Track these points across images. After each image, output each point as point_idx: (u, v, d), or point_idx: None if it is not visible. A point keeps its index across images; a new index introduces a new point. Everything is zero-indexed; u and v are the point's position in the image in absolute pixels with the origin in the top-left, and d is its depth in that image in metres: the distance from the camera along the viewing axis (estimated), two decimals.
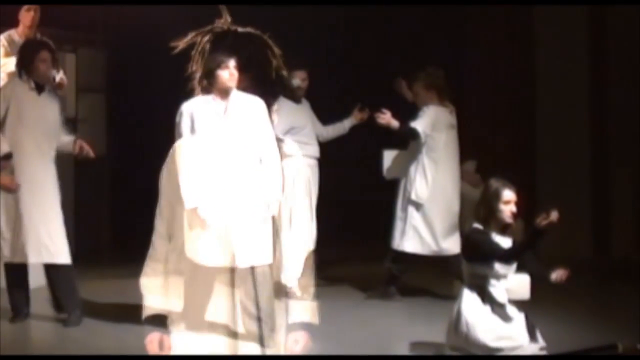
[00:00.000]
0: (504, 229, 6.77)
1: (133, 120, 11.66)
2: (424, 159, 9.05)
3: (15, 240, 7.98)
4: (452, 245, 8.97)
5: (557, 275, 6.51)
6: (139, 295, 4.01)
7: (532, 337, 6.67)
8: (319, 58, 10.42)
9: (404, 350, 7.36)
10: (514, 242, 6.75)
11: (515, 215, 6.76)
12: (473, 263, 6.75)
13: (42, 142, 8.03)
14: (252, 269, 3.86)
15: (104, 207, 11.90)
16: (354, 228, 11.97)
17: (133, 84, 11.67)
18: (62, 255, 8.01)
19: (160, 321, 3.96)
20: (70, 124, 11.25)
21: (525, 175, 11.04)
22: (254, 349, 3.89)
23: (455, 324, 6.70)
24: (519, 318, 6.69)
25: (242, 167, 3.85)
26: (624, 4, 10.84)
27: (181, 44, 4.12)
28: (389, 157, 9.33)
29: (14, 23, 9.34)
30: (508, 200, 6.70)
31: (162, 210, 3.98)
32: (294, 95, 8.95)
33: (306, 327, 3.98)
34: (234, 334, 3.87)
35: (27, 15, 9.29)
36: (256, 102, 3.94)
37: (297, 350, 3.96)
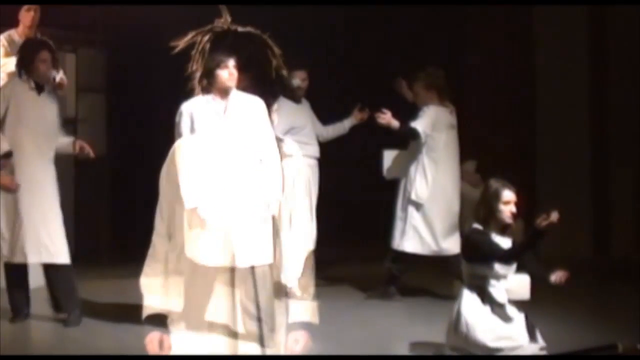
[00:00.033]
0: (503, 229, 6.76)
1: (133, 120, 11.65)
2: (424, 159, 9.05)
3: (14, 240, 7.98)
4: (452, 245, 8.96)
5: (556, 276, 6.51)
6: (138, 295, 4.01)
7: (532, 337, 6.66)
8: (319, 58, 10.42)
9: (404, 350, 7.36)
10: (514, 243, 6.74)
11: (515, 216, 6.75)
12: (473, 263, 6.74)
13: (42, 142, 8.03)
14: (252, 268, 3.85)
15: (104, 207, 11.90)
16: (354, 228, 11.97)
17: (133, 84, 11.66)
18: (61, 255, 8.01)
19: (160, 321, 3.95)
20: (70, 124, 11.29)
21: (525, 175, 11.04)
22: (254, 349, 3.88)
23: (455, 324, 6.69)
24: (518, 318, 6.68)
25: (242, 167, 3.84)
26: (624, 4, 10.84)
27: (181, 44, 4.12)
28: (389, 157, 9.33)
29: (14, 23, 9.33)
30: (508, 201, 6.70)
31: (162, 210, 3.98)
32: (294, 95, 8.95)
33: (306, 326, 3.98)
34: (234, 334, 3.87)
35: (27, 15, 9.29)
36: (256, 102, 3.94)
37: (297, 349, 3.96)
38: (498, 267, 6.65)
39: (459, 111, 9.25)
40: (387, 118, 8.79)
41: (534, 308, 6.89)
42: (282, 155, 3.96)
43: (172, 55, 4.19)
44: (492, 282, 6.68)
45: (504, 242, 6.72)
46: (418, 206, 9.05)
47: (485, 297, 6.67)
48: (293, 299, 3.97)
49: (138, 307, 4.06)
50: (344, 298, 9.14)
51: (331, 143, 9.45)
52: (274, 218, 3.91)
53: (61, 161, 8.63)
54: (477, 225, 6.77)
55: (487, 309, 6.65)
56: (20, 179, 7.94)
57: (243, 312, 3.85)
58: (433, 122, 8.99)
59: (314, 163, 9.03)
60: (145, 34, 10.55)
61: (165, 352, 3.95)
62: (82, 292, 8.50)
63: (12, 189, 7.91)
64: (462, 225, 8.74)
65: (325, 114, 9.42)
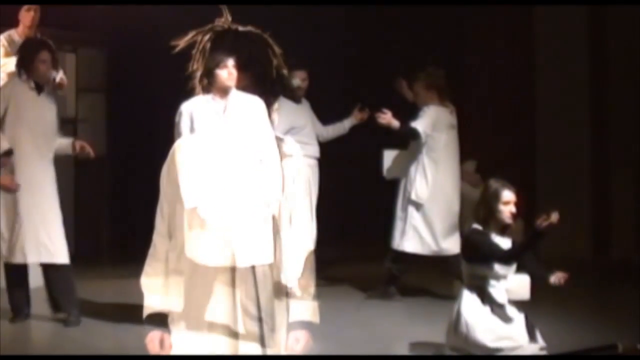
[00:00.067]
0: (503, 230, 6.76)
1: (133, 120, 11.65)
2: (424, 159, 9.05)
3: (14, 240, 7.97)
4: (452, 245, 8.96)
5: (556, 277, 6.51)
6: (139, 295, 4.00)
7: (532, 338, 6.66)
8: (319, 58, 10.42)
9: (404, 350, 7.36)
10: (514, 243, 6.74)
11: (514, 216, 6.75)
12: (472, 264, 6.74)
13: (41, 143, 8.03)
14: (253, 268, 3.85)
15: (104, 207, 11.90)
16: (354, 228, 11.97)
17: (133, 84, 11.66)
18: (60, 255, 8.01)
19: (161, 320, 3.94)
20: (70, 124, 11.30)
21: (525, 175, 11.04)
22: (254, 349, 3.88)
23: (455, 324, 6.69)
24: (518, 318, 6.68)
25: (241, 167, 3.83)
26: (624, 4, 10.84)
27: (181, 43, 4.10)
28: (389, 157, 9.33)
29: (14, 23, 9.33)
30: (507, 201, 6.69)
31: (163, 209, 3.96)
32: (294, 95, 8.95)
33: (306, 326, 3.96)
34: (234, 334, 3.86)
35: (27, 15, 9.28)
36: (255, 102, 3.93)
37: (297, 349, 3.94)
38: (498, 268, 6.65)
39: (459, 111, 9.25)
40: (387, 118, 8.79)
41: (534, 308, 6.90)
42: (282, 155, 3.94)
43: (172, 55, 4.19)
44: (492, 282, 6.68)
45: (504, 243, 6.71)
46: (418, 206, 9.05)
47: (485, 297, 6.67)
48: (293, 298, 3.96)
49: (138, 307, 4.05)
50: (344, 298, 9.15)
51: (331, 143, 9.45)
52: (274, 218, 3.90)
53: (61, 161, 8.63)
54: (476, 226, 6.77)
55: (487, 309, 6.65)
56: (20, 179, 7.94)
57: (243, 312, 3.84)
58: (433, 122, 8.99)
59: (314, 163, 9.04)
60: (145, 34, 10.55)
61: (165, 351, 3.94)
62: (82, 292, 8.50)
63: (12, 189, 7.91)
64: (462, 226, 8.74)
65: (325, 114, 9.42)
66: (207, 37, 4.11)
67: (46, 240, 7.98)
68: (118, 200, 12.02)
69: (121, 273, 9.07)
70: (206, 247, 3.84)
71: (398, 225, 9.10)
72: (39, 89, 8.07)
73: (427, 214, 9.04)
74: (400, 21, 12.18)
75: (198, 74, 4.20)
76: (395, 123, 8.82)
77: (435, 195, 9.03)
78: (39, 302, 8.17)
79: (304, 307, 3.95)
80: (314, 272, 4.02)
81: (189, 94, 4.46)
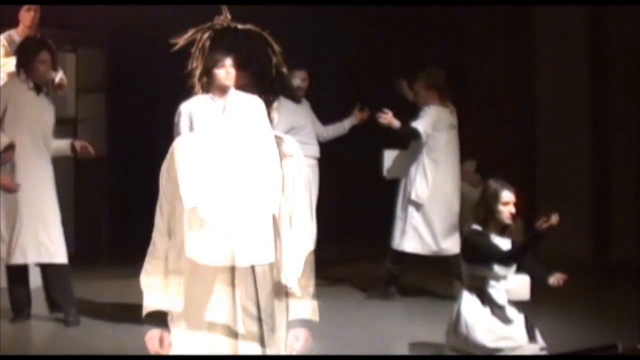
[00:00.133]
0: (503, 230, 6.76)
1: (133, 120, 11.65)
2: (425, 159, 9.05)
3: (14, 240, 7.97)
4: (452, 245, 8.96)
5: (554, 279, 6.51)
6: (138, 295, 4.00)
7: (532, 338, 6.66)
8: (319, 58, 10.42)
9: (404, 350, 7.36)
10: (513, 244, 6.74)
11: (514, 216, 6.75)
12: (472, 264, 6.74)
13: (41, 143, 8.03)
14: (252, 268, 3.84)
15: (104, 207, 11.89)
16: (354, 228, 11.97)
17: (133, 84, 11.66)
18: (60, 255, 8.01)
19: (160, 319, 3.94)
20: (70, 124, 11.30)
21: (525, 176, 11.04)
22: (253, 349, 3.87)
23: (455, 325, 6.69)
24: (518, 319, 6.68)
25: (241, 166, 3.83)
26: (624, 4, 10.83)
27: (181, 41, 4.10)
28: (389, 157, 9.33)
29: (14, 23, 9.33)
30: (507, 202, 6.69)
31: (162, 208, 3.96)
32: (294, 95, 8.95)
33: (306, 324, 3.96)
34: (233, 334, 3.86)
35: (27, 15, 9.28)
36: (255, 101, 3.92)
37: (297, 347, 3.94)
38: (497, 268, 6.65)
39: (459, 111, 9.25)
40: (388, 118, 8.79)
41: (534, 308, 6.90)
42: (282, 155, 3.94)
43: (172, 55, 4.18)
44: (492, 283, 6.68)
45: (503, 243, 6.71)
46: (418, 206, 9.05)
47: (485, 298, 6.67)
48: (293, 298, 3.95)
49: (138, 307, 4.05)
50: (344, 298, 9.15)
51: (331, 143, 9.45)
52: (274, 217, 3.89)
53: (61, 161, 8.63)
54: (476, 226, 6.77)
55: (487, 310, 6.65)
56: (20, 179, 7.93)
57: (243, 312, 3.83)
58: (434, 122, 8.99)
59: (314, 163, 9.04)
60: (145, 34, 10.56)
61: (165, 350, 3.93)
62: (82, 292, 8.50)
63: (12, 189, 7.91)
64: (462, 226, 8.73)
65: (325, 114, 9.42)
66: (206, 35, 4.10)
67: (46, 240, 7.98)
68: (118, 200, 12.02)
69: (121, 273, 9.07)
70: (206, 246, 3.83)
71: (398, 225, 9.10)
72: (37, 89, 8.07)
73: (427, 214, 9.03)
74: (400, 21, 12.18)
75: (197, 72, 4.19)
76: (396, 123, 8.82)
77: (435, 195, 9.03)
78: (39, 302, 8.17)
79: (304, 305, 3.95)
80: (314, 272, 4.02)
81: (188, 93, 4.46)
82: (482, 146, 10.88)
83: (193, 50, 4.12)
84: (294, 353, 3.95)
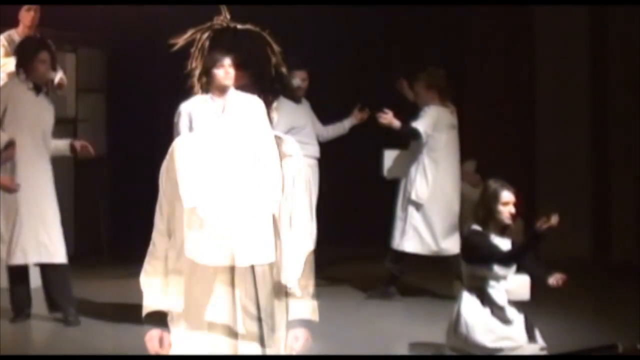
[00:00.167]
0: (502, 230, 6.75)
1: (133, 120, 11.65)
2: (425, 159, 9.05)
3: (14, 241, 7.97)
4: (452, 245, 8.96)
5: (554, 279, 6.51)
6: (138, 295, 3.99)
7: (531, 338, 6.66)
8: (319, 58, 10.41)
9: (404, 350, 7.36)
10: (513, 244, 6.74)
11: (514, 217, 6.75)
12: (472, 265, 6.74)
13: (40, 143, 8.03)
14: (252, 268, 3.84)
15: (103, 207, 11.89)
16: (354, 228, 11.97)
17: (133, 84, 11.66)
18: (59, 255, 8.02)
19: (160, 319, 3.94)
20: (70, 124, 11.30)
21: (525, 176, 11.04)
22: (253, 349, 3.87)
23: (455, 325, 6.69)
24: (518, 319, 6.67)
25: (240, 166, 3.83)
26: (624, 4, 10.83)
27: (180, 41, 4.09)
28: (389, 157, 9.33)
29: (14, 23, 9.33)
30: (507, 202, 6.69)
31: (162, 208, 3.96)
32: (294, 95, 8.94)
33: (306, 324, 3.96)
34: (233, 334, 3.86)
35: (27, 15, 9.28)
36: (254, 101, 3.92)
37: (296, 347, 3.94)
38: (497, 269, 6.64)
39: (459, 111, 9.25)
40: (388, 118, 8.79)
41: (534, 308, 6.89)
42: (282, 155, 3.94)
43: (172, 55, 4.18)
44: (492, 283, 6.68)
45: (503, 244, 6.71)
46: (418, 206, 9.05)
47: (485, 298, 6.66)
48: (293, 298, 3.95)
49: (138, 307, 4.05)
50: (344, 298, 9.15)
51: (331, 143, 9.45)
52: (274, 217, 3.89)
53: (61, 161, 8.63)
54: (476, 227, 6.76)
55: (487, 310, 6.65)
56: (20, 179, 7.93)
57: (243, 312, 3.83)
58: (434, 122, 8.99)
59: (314, 163, 9.04)
60: (145, 34, 10.55)
61: (164, 350, 3.93)
62: (82, 292, 8.50)
63: (12, 189, 7.91)
64: (462, 226, 8.73)
65: (325, 114, 9.42)
66: (205, 35, 4.10)
67: (46, 240, 7.98)
68: (118, 200, 12.02)
69: (121, 273, 9.08)
70: (205, 246, 3.83)
71: (398, 225, 9.10)
72: (37, 89, 8.07)
73: (427, 214, 9.03)
74: (400, 21, 12.18)
75: (197, 72, 4.19)
76: (396, 123, 8.83)
77: (435, 195, 9.03)
78: (39, 302, 8.17)
79: (304, 305, 3.95)
80: (314, 272, 4.02)
81: (188, 93, 4.46)
82: (482, 146, 10.89)
83: (192, 50, 4.12)
84: (294, 353, 3.95)
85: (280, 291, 3.93)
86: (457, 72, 10.91)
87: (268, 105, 3.99)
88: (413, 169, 9.08)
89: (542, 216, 6.52)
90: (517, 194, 6.76)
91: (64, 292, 8.07)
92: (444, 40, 11.82)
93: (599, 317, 8.37)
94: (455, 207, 9.14)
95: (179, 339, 3.92)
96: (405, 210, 9.09)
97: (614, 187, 11.44)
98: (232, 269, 3.84)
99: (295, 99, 9.00)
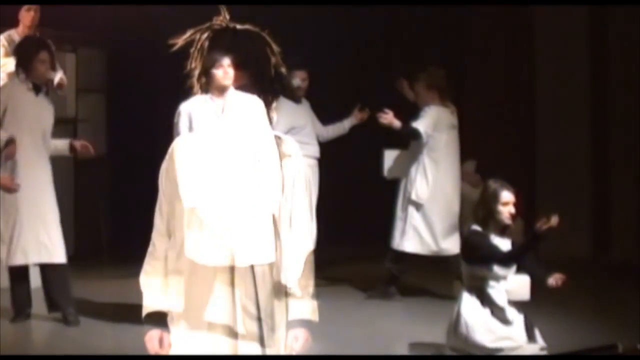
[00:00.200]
0: (502, 230, 6.75)
1: (133, 120, 11.65)
2: (425, 159, 9.05)
3: (14, 241, 7.97)
4: (452, 245, 8.96)
5: (553, 280, 6.50)
6: (138, 295, 3.99)
7: (531, 338, 6.66)
8: (319, 58, 10.41)
9: (404, 350, 7.36)
10: (513, 244, 6.74)
11: (513, 217, 6.74)
12: (472, 265, 6.74)
13: (40, 143, 8.03)
14: (252, 268, 3.84)
15: (103, 207, 11.90)
16: (354, 228, 11.97)
17: (133, 84, 11.66)
18: (59, 255, 8.02)
19: (160, 319, 3.94)
20: (70, 124, 11.30)
21: (525, 176, 11.04)
22: (253, 349, 3.87)
23: (455, 325, 6.69)
24: (518, 319, 6.67)
25: (240, 166, 3.83)
26: (624, 4, 10.83)
27: (180, 41, 4.09)
28: (389, 157, 9.33)
29: (14, 23, 9.33)
30: (506, 202, 6.68)
31: (162, 208, 3.96)
32: (293, 95, 8.94)
33: (306, 324, 3.96)
34: (233, 334, 3.86)
35: (27, 15, 9.28)
36: (253, 101, 3.92)
37: (296, 347, 3.94)
38: (497, 269, 6.64)
39: (459, 111, 9.25)
40: (389, 118, 8.79)
41: (534, 308, 6.89)
42: (282, 155, 3.94)
43: (172, 55, 4.18)
44: (492, 283, 6.68)
45: (503, 244, 6.71)
46: (418, 206, 9.05)
47: (485, 298, 6.66)
48: (293, 298, 3.95)
49: (138, 307, 4.05)
50: (344, 298, 9.15)
51: (331, 143, 9.45)
52: (274, 217, 3.89)
53: (61, 161, 8.63)
54: (476, 227, 6.76)
55: (487, 310, 6.65)
56: (20, 179, 7.93)
57: (243, 312, 3.83)
58: (434, 122, 8.99)
59: (314, 163, 9.04)
60: (145, 34, 10.55)
61: (164, 350, 3.93)
62: (82, 292, 8.51)
63: (12, 189, 7.91)
64: (462, 226, 8.73)
65: (325, 114, 9.42)
66: (205, 35, 4.10)
67: (46, 240, 7.98)
68: (118, 200, 12.02)
69: (121, 273, 9.08)
70: (205, 246, 3.83)
71: (398, 225, 9.10)
72: (37, 89, 8.07)
73: (427, 214, 9.03)
74: (400, 21, 12.18)
75: (196, 72, 4.19)
76: (397, 123, 8.83)
77: (436, 196, 9.03)
78: (39, 302, 8.17)
79: (304, 305, 3.95)
80: (314, 272, 4.02)
81: (188, 94, 4.46)
82: (482, 146, 10.89)
83: (192, 50, 4.12)
84: (294, 353, 3.95)
85: (280, 291, 3.93)
86: (457, 72, 10.91)
87: (268, 105, 3.99)
88: (413, 169, 9.08)
89: (542, 216, 6.52)
90: (517, 194, 6.76)
91: (63, 292, 8.07)
92: (444, 40, 11.82)
93: (599, 317, 8.37)
94: (455, 207, 9.15)
95: (179, 339, 3.92)
96: (405, 210, 9.09)
97: (614, 187, 11.45)
98: (232, 269, 3.84)
99: (295, 99, 9.00)
